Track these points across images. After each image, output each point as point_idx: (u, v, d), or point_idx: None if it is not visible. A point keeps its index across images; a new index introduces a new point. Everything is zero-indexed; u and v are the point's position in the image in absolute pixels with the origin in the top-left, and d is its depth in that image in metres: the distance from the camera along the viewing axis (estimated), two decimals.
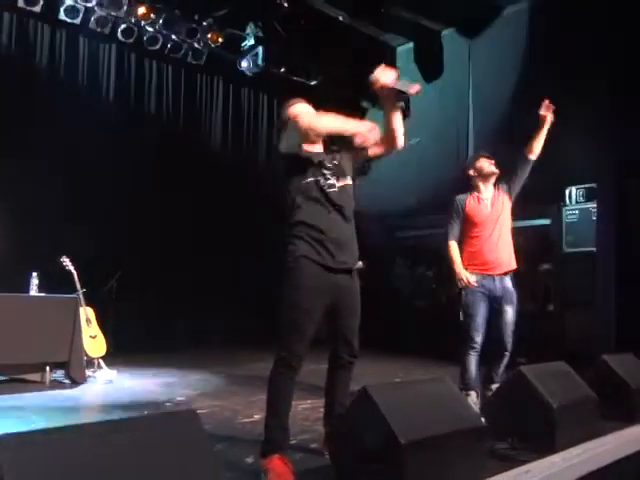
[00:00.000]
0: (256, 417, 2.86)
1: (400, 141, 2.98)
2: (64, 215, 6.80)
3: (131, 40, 7.52)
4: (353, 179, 2.99)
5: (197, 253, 8.07)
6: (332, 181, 2.86)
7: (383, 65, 2.84)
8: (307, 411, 4.08)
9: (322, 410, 3.10)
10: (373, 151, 3.00)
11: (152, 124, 8.14)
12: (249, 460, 2.95)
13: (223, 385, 5.39)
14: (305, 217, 2.82)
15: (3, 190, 6.11)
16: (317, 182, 2.84)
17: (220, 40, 8.03)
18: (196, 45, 7.93)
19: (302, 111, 2.89)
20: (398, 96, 2.83)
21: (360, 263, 2.93)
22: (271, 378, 2.81)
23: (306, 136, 2.84)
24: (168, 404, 4.43)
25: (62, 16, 6.99)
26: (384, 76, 2.78)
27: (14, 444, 1.41)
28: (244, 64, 8.44)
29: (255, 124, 9.37)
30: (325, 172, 2.86)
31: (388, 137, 2.96)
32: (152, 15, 7.44)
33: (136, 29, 7.49)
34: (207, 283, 8.04)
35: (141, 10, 7.35)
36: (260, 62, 8.36)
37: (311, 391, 4.19)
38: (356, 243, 2.95)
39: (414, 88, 2.80)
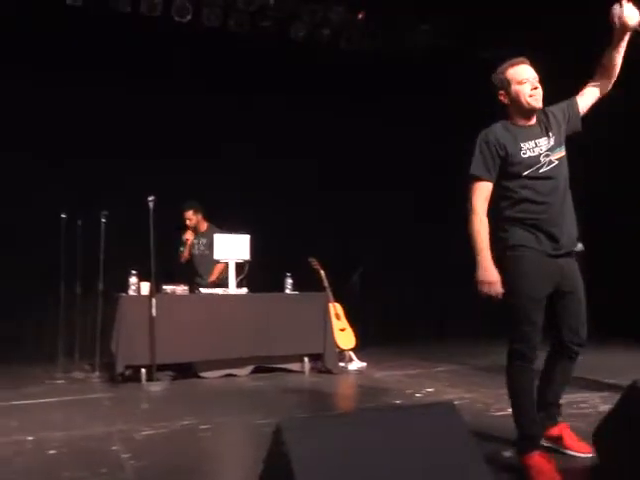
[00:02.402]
0: (509, 410, 2.79)
1: (615, 75, 2.80)
2: (314, 219, 7.40)
3: None
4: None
5: (430, 249, 8.09)
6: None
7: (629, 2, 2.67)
8: None
9: None
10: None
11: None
12: (507, 454, 2.90)
13: (470, 377, 5.35)
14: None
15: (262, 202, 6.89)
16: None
17: None
18: None
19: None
20: (634, 33, 2.72)
21: (580, 245, 2.78)
22: (509, 373, 2.73)
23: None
24: (418, 395, 4.55)
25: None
26: (629, 17, 2.64)
27: (298, 426, 1.60)
28: None
29: None
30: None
31: (609, 71, 2.79)
32: None
33: None
34: (446, 275, 8.04)
35: None
36: None
37: None
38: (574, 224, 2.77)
39: None
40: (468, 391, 4.62)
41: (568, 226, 2.72)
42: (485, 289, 2.63)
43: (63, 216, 5.87)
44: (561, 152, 2.74)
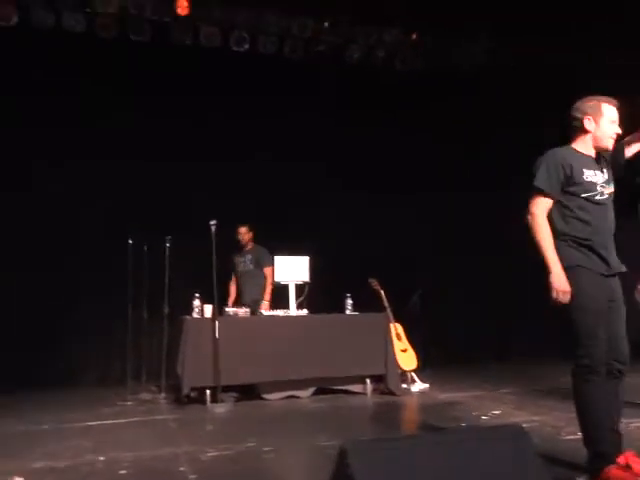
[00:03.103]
0: (580, 435, 2.69)
1: None
2: (373, 240, 7.40)
3: None
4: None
5: (491, 268, 7.91)
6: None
7: None
8: None
9: None
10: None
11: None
12: None
13: (537, 399, 5.17)
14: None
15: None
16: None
17: None
18: None
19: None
20: None
21: (624, 267, 2.95)
22: (578, 389, 2.73)
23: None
24: (484, 417, 4.43)
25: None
26: None
27: (363, 448, 1.59)
28: None
29: None
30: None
31: None
32: None
33: None
34: (508, 295, 7.85)
35: None
36: None
37: None
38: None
39: None
40: (536, 414, 4.47)
41: (613, 251, 2.90)
42: (557, 297, 2.74)
43: (130, 242, 6.09)
44: (611, 188, 2.94)
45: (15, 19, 6.41)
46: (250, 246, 6.54)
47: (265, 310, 5.93)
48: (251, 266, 6.45)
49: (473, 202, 7.90)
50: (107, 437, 4.12)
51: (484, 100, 7.70)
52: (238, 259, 6.54)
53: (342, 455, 1.53)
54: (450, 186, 7.86)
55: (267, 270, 6.31)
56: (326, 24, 7.31)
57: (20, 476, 3.09)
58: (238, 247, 6.57)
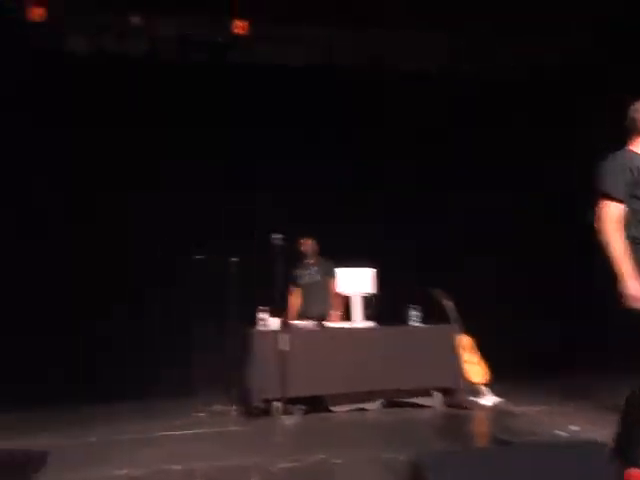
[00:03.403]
0: None
1: None
2: (440, 250, 7.32)
3: None
4: None
5: (559, 280, 7.66)
6: None
7: None
8: None
9: None
10: None
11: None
12: None
13: (612, 415, 4.93)
14: None
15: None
16: None
17: None
18: None
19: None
20: None
21: None
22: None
23: None
24: (560, 433, 4.28)
25: None
26: None
27: (437, 461, 1.58)
28: None
29: None
30: None
31: None
32: None
33: None
34: (580, 305, 7.56)
35: None
36: None
37: None
38: None
39: None
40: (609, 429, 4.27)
41: None
42: (631, 302, 2.69)
43: (197, 257, 6.26)
44: None
45: (83, 46, 6.77)
46: (316, 258, 6.56)
47: (335, 321, 5.94)
48: (318, 277, 6.44)
49: (543, 211, 7.73)
50: (181, 447, 4.24)
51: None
52: (302, 271, 6.55)
53: (416, 468, 1.53)
54: (518, 195, 7.71)
55: (333, 282, 6.32)
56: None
57: None
58: (301, 259, 6.60)
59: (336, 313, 6.21)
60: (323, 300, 6.35)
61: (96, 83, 6.83)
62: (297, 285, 6.56)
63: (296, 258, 6.56)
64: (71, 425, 5.15)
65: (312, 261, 6.55)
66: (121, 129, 6.97)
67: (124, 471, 3.51)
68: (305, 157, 7.31)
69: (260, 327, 5.51)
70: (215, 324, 6.26)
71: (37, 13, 6.33)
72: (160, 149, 7.04)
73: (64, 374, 6.39)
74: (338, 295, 6.23)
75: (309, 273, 6.52)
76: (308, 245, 6.51)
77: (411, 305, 5.79)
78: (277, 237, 5.60)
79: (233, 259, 6.06)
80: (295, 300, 6.57)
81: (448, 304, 6.04)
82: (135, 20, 6.64)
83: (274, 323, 5.50)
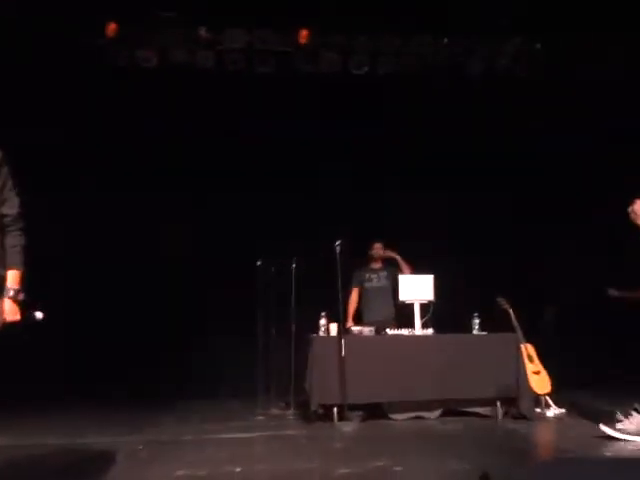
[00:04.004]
0: None
1: None
2: (501, 257, 7.17)
3: None
4: None
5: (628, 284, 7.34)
6: None
7: None
8: None
9: None
10: None
11: None
12: None
13: None
14: None
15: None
16: None
17: None
18: None
19: None
20: None
21: None
22: None
23: None
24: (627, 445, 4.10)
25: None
26: None
27: (507, 475, 1.55)
28: None
29: None
30: None
31: None
32: None
33: None
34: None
35: None
36: None
37: None
38: None
39: None
40: None
41: None
42: None
43: (258, 263, 6.37)
44: None
45: (155, 60, 7.03)
46: (383, 263, 6.53)
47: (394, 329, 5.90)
48: (386, 282, 6.40)
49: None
50: (241, 449, 4.30)
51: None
52: (369, 275, 6.50)
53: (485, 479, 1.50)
54: (582, 200, 7.46)
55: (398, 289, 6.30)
56: (445, 40, 7.28)
57: None
58: (367, 262, 6.57)
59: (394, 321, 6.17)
60: (387, 306, 6.32)
61: (165, 95, 7.09)
62: (361, 288, 6.53)
63: (360, 261, 6.54)
64: (136, 424, 5.33)
65: (379, 266, 6.52)
66: (194, 137, 7.24)
67: (186, 471, 3.59)
68: (372, 159, 7.37)
69: (321, 333, 5.54)
70: (278, 328, 6.35)
71: (111, 29, 6.62)
72: (230, 155, 7.24)
73: (134, 374, 6.63)
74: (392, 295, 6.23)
75: (377, 277, 6.48)
76: (377, 249, 6.47)
77: (474, 313, 5.69)
78: (338, 244, 5.62)
79: (295, 265, 6.12)
80: (354, 302, 6.52)
81: (510, 312, 5.90)
82: (203, 33, 6.86)
83: (334, 329, 5.52)
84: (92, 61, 6.75)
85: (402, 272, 6.23)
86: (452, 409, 5.47)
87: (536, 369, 5.72)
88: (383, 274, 6.46)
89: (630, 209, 4.19)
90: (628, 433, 4.19)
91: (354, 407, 5.35)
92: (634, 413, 4.25)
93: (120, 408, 6.19)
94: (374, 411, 5.46)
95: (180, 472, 3.57)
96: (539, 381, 5.64)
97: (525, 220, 7.43)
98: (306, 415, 5.42)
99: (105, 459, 3.89)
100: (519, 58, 7.46)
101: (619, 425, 4.26)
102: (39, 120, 6.59)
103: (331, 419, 5.26)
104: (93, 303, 6.95)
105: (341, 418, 5.25)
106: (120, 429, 5.06)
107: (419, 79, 7.37)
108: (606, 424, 4.30)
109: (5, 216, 2.73)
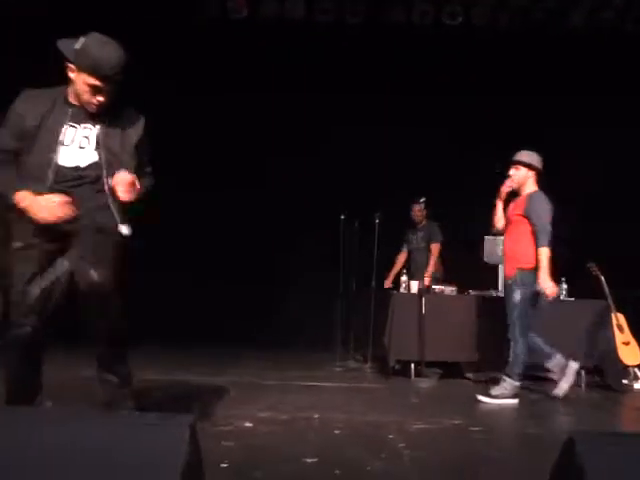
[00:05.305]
0: None
1: None
2: (594, 220, 6.88)
3: None
4: None
5: None
6: None
7: None
8: None
9: None
10: None
11: None
12: None
13: None
14: None
15: None
16: None
17: None
18: None
19: None
20: None
21: None
22: None
23: None
24: None
25: None
26: None
27: (595, 440, 1.52)
28: None
29: None
30: None
31: None
32: None
33: None
34: None
35: None
36: None
37: None
38: None
39: None
40: None
41: None
42: None
43: (342, 217, 6.40)
44: None
45: (245, 12, 7.03)
46: (424, 223, 6.61)
47: (427, 285, 5.80)
48: (423, 244, 6.54)
49: None
50: (321, 398, 4.44)
51: None
52: (411, 236, 6.68)
53: (570, 444, 1.48)
54: None
55: (434, 246, 6.43)
56: None
57: (249, 422, 3.48)
58: (412, 223, 6.67)
59: (426, 277, 6.06)
60: (423, 266, 6.36)
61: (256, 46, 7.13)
62: (406, 248, 6.71)
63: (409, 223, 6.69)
64: (223, 365, 5.61)
65: (421, 225, 6.60)
66: (289, 93, 7.28)
67: (268, 413, 3.75)
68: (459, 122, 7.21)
69: (401, 289, 5.55)
70: (358, 283, 6.47)
71: None
72: (327, 114, 7.27)
73: (224, 319, 6.96)
74: (434, 258, 6.36)
75: (416, 238, 6.62)
76: (416, 211, 6.56)
77: (561, 278, 5.49)
78: (422, 201, 5.60)
79: (378, 220, 6.11)
80: (400, 263, 6.67)
81: (601, 279, 5.63)
82: None
83: (415, 286, 5.51)
84: (183, 13, 6.85)
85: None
86: (533, 375, 5.36)
87: (626, 339, 5.47)
88: (421, 235, 6.58)
89: None
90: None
91: (432, 364, 5.36)
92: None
93: (203, 350, 6.45)
94: (451, 369, 5.45)
95: (262, 414, 3.73)
96: (628, 352, 5.40)
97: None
98: (383, 369, 5.50)
99: (191, 396, 4.14)
100: (626, 11, 6.91)
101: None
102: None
103: (408, 375, 5.31)
104: (191, 244, 7.26)
105: (418, 374, 5.29)
106: (203, 370, 5.31)
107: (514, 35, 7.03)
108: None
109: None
